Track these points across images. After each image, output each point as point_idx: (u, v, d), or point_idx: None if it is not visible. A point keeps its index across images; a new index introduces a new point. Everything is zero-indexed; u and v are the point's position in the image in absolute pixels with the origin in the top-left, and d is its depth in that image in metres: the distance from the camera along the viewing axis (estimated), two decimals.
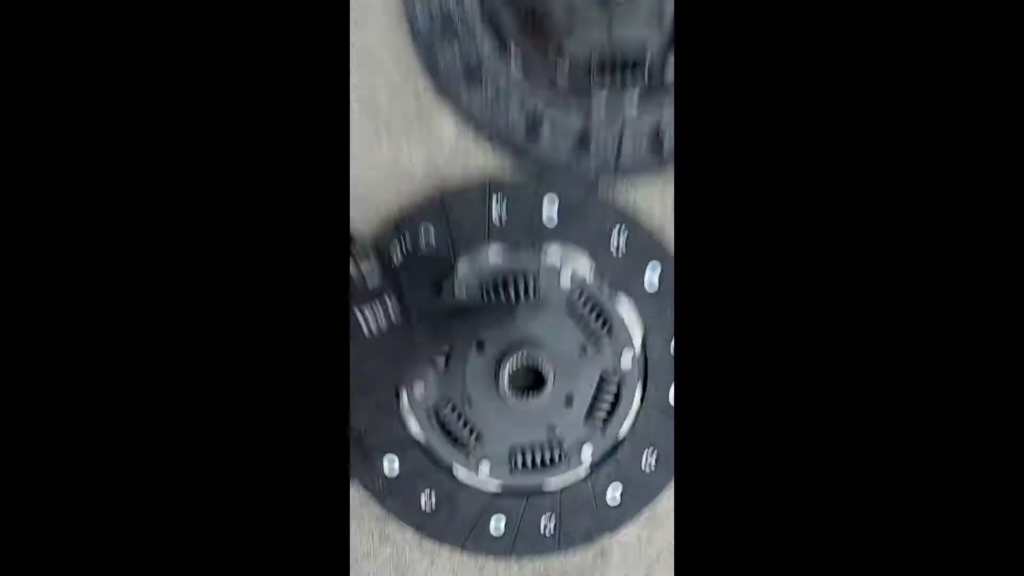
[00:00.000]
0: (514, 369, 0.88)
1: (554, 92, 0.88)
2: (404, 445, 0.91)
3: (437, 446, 0.90)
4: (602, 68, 0.88)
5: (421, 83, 0.90)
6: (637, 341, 0.90)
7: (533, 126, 0.88)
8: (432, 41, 0.87)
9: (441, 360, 0.88)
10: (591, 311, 0.89)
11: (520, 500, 0.91)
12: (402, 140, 0.91)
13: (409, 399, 0.90)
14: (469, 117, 0.90)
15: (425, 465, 0.91)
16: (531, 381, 0.86)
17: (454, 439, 0.90)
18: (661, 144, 0.89)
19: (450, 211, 0.89)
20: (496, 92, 0.88)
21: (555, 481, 0.91)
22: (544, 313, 0.88)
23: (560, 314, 0.89)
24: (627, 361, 0.89)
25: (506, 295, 0.88)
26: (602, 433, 0.90)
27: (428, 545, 0.93)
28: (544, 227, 0.89)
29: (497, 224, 0.89)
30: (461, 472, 0.91)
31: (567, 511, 0.91)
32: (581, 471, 0.92)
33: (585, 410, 0.90)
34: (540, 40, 0.87)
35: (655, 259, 0.90)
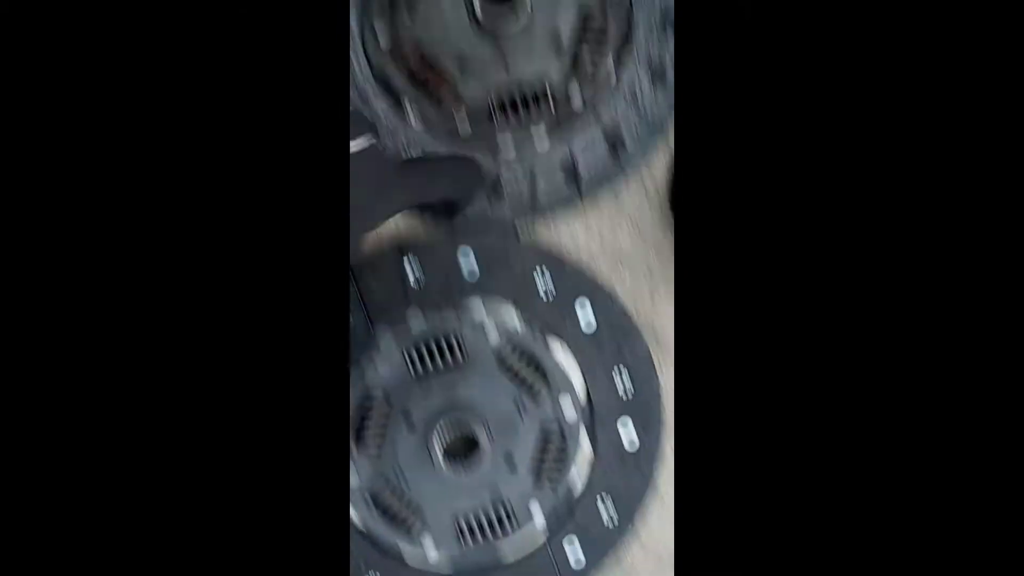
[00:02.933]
0: (447, 439, 0.83)
1: (457, 141, 0.84)
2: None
3: (379, 530, 0.85)
4: (503, 108, 0.83)
5: None
6: (578, 385, 0.85)
7: None
8: None
9: (374, 444, 0.83)
10: (524, 362, 0.84)
11: None
12: None
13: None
14: None
15: (370, 552, 0.85)
16: (467, 447, 0.80)
17: (394, 519, 0.84)
18: (576, 175, 0.85)
19: (361, 280, 0.83)
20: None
21: (511, 550, 0.86)
22: (474, 373, 0.83)
23: (491, 371, 0.84)
24: (569, 409, 0.85)
25: (432, 362, 0.82)
26: (553, 489, 0.85)
27: None
28: (464, 282, 0.85)
29: (415, 287, 0.84)
30: (409, 554, 0.86)
31: None
32: (538, 534, 0.87)
33: (529, 468, 0.85)
34: (434, 90, 0.83)
35: (583, 295, 0.85)
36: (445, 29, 0.82)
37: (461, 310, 0.84)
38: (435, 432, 0.82)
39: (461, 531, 0.84)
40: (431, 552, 0.85)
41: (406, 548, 0.85)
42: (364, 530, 0.85)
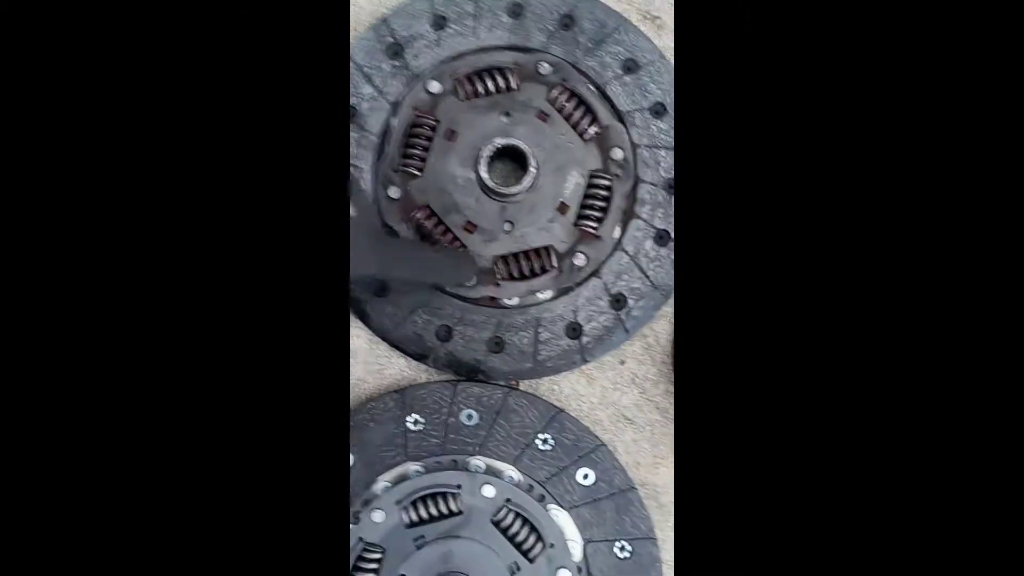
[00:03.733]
0: None
1: (463, 299, 0.85)
2: None
3: None
4: (508, 266, 0.85)
5: None
6: (577, 552, 0.83)
7: (446, 335, 0.85)
8: None
9: None
10: (520, 523, 0.82)
11: None
12: None
13: None
14: (380, 331, 0.87)
15: None
16: None
17: None
18: (579, 332, 0.85)
19: (363, 432, 0.83)
20: (406, 306, 0.85)
21: None
22: (470, 531, 0.81)
23: (486, 531, 0.82)
24: None
25: (428, 514, 0.81)
26: None
27: None
28: (464, 439, 0.84)
29: (414, 441, 0.83)
30: None
31: None
32: None
33: None
34: (440, 245, 0.85)
35: (586, 457, 0.84)
36: (454, 188, 0.85)
37: (460, 466, 0.83)
38: None
39: None
40: None
41: None
42: None
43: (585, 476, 0.84)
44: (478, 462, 0.84)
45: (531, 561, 0.82)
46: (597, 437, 0.85)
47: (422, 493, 0.82)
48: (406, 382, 0.88)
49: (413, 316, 0.85)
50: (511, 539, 0.82)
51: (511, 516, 0.82)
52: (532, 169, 0.82)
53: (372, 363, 0.88)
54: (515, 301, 0.86)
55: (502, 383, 0.86)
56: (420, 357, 0.86)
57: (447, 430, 0.84)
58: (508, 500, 0.82)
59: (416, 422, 0.84)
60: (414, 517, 0.82)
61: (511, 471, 0.84)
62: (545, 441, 0.84)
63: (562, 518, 0.83)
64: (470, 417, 0.84)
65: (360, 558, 0.82)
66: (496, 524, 0.82)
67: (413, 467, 0.83)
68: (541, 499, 0.83)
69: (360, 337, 0.88)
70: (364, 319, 0.86)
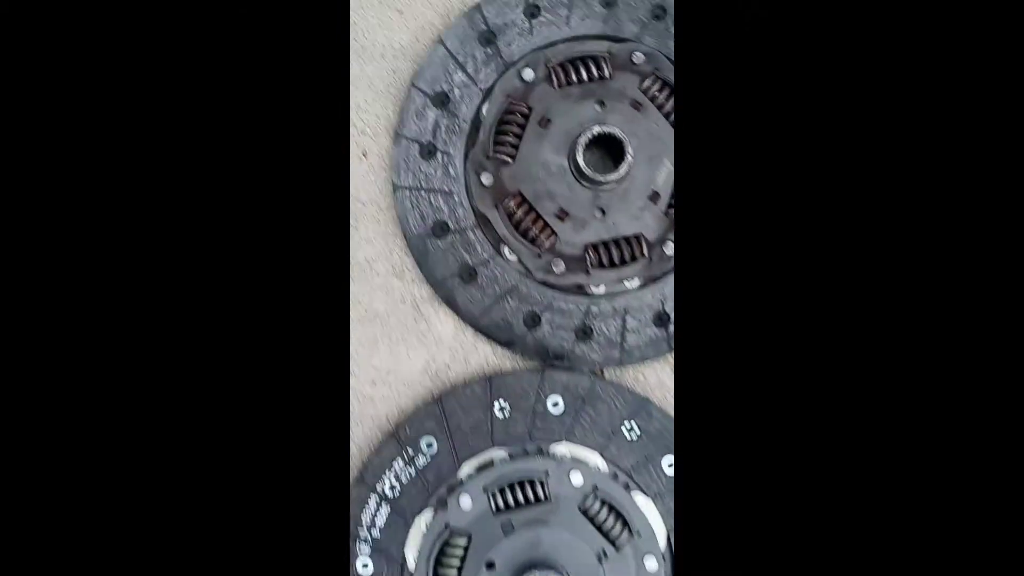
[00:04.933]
0: None
1: (552, 286, 0.85)
2: None
3: None
4: (598, 254, 0.85)
5: (417, 289, 0.88)
6: (662, 540, 0.83)
7: (533, 321, 0.85)
8: (426, 247, 0.86)
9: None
10: (608, 512, 0.82)
11: None
12: (400, 345, 0.87)
13: None
14: (468, 317, 0.87)
15: None
16: None
17: None
18: (666, 321, 0.85)
19: (450, 418, 0.83)
20: (495, 292, 0.85)
21: None
22: (556, 519, 0.81)
23: (573, 518, 0.82)
24: (652, 565, 0.82)
25: (515, 501, 0.81)
26: None
27: None
28: (551, 426, 0.84)
29: (501, 428, 0.83)
30: None
31: None
32: None
33: None
34: (532, 233, 0.85)
35: (669, 446, 0.84)
36: (547, 176, 0.85)
37: (546, 452, 0.83)
38: None
39: None
40: None
41: None
42: None
43: (671, 465, 0.84)
44: (564, 449, 0.84)
45: (617, 549, 0.82)
46: None
47: (509, 480, 0.82)
48: (491, 369, 0.88)
49: (501, 303, 0.86)
50: (598, 527, 0.82)
51: (598, 504, 0.82)
52: (629, 157, 0.82)
53: (457, 349, 0.88)
54: (602, 289, 0.86)
55: (587, 370, 0.86)
56: (507, 344, 0.86)
57: (534, 417, 0.84)
58: (595, 488, 0.82)
59: (502, 409, 0.84)
60: (501, 504, 0.82)
61: (597, 459, 0.84)
62: (631, 429, 0.84)
63: (648, 506, 0.83)
64: (556, 404, 0.84)
65: (447, 543, 0.82)
66: (583, 512, 0.82)
67: (499, 453, 0.84)
68: (627, 487, 0.83)
69: (447, 324, 0.88)
70: (452, 305, 0.87)
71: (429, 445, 0.84)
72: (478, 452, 0.84)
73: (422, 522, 0.81)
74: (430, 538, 0.81)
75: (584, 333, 0.85)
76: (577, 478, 0.82)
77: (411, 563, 0.81)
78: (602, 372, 0.87)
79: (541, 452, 0.83)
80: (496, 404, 0.84)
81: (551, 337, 0.85)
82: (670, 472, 0.83)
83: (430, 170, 0.85)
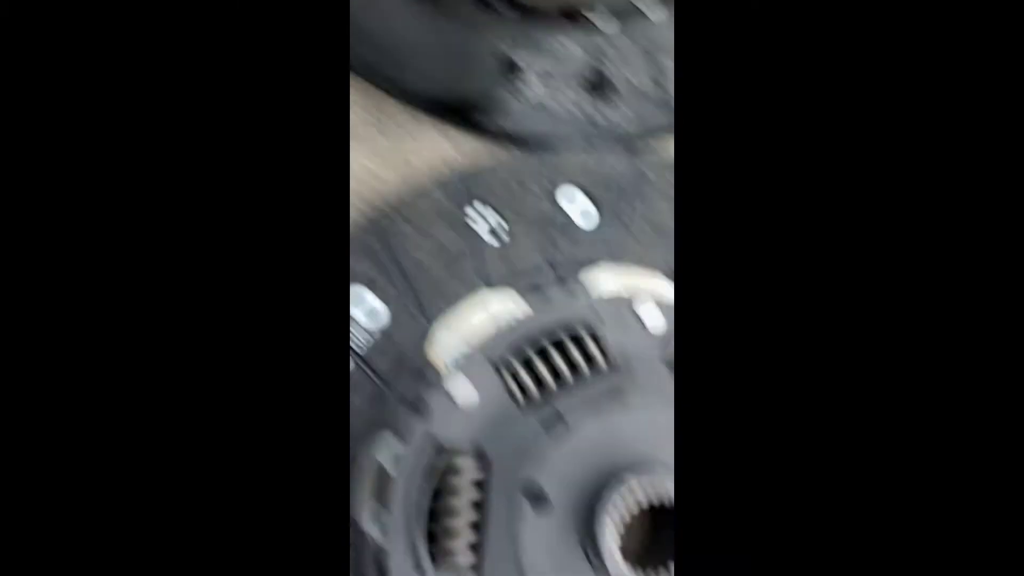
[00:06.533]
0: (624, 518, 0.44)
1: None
2: None
3: None
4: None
5: None
6: None
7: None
8: None
9: (463, 548, 0.44)
10: None
11: None
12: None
13: None
14: None
15: None
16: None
17: None
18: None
19: (399, 253, 0.48)
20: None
21: None
22: (635, 391, 0.47)
23: (662, 384, 0.48)
24: None
25: (553, 376, 0.46)
26: None
27: None
28: (579, 241, 0.50)
29: (496, 257, 0.49)
30: None
31: None
32: None
33: None
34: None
35: None
36: None
37: (583, 287, 0.48)
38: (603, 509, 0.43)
39: None
40: None
41: None
42: None
43: None
44: (610, 277, 0.49)
45: None
46: None
47: (535, 342, 0.46)
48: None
49: None
50: None
51: None
52: None
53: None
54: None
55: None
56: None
57: (547, 230, 0.48)
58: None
59: (494, 229, 0.47)
60: (526, 385, 0.46)
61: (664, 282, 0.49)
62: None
63: None
64: (574, 202, 0.48)
65: (450, 468, 0.44)
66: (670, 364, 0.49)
67: (503, 300, 0.47)
68: None
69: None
70: None
71: (371, 312, 0.46)
72: (459, 300, 0.47)
73: (384, 454, 0.45)
74: (412, 477, 0.44)
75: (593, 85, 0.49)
76: (653, 315, 0.45)
77: (376, 536, 0.42)
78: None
79: (572, 286, 0.47)
80: (472, 210, 0.49)
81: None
82: None
83: None
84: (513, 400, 0.46)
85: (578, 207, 0.49)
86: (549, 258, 0.48)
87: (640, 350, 0.47)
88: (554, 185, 0.49)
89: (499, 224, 0.48)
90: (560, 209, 0.49)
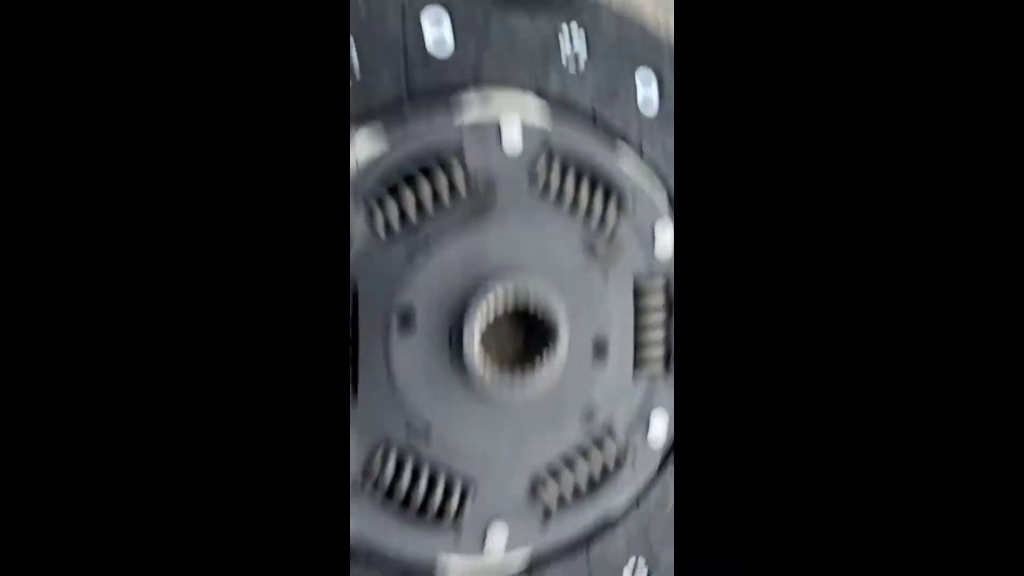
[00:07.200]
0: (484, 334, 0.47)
1: None
2: None
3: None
4: None
5: None
6: (662, 204, 0.54)
7: None
8: None
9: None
10: (577, 179, 0.51)
11: None
12: None
13: None
14: None
15: None
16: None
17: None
18: None
19: None
20: None
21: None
22: (496, 211, 0.49)
23: (524, 202, 0.50)
24: (664, 238, 0.51)
25: (417, 205, 0.48)
26: None
27: None
28: (440, 68, 0.48)
29: (356, 92, 0.47)
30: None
31: None
32: None
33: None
34: None
35: (646, 56, 0.54)
36: None
37: (451, 110, 0.48)
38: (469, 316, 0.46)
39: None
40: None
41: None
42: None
43: (644, 82, 0.51)
44: (473, 102, 0.48)
45: (607, 229, 0.48)
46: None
47: (393, 175, 0.47)
48: None
49: None
50: (570, 205, 0.48)
51: (557, 169, 0.49)
52: None
53: None
54: None
55: None
56: None
57: (406, 60, 0.47)
58: (546, 146, 0.48)
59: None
60: (389, 218, 0.47)
61: (532, 104, 0.48)
62: (574, 55, 0.50)
63: (629, 158, 0.50)
64: (439, 25, 0.47)
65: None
66: (542, 187, 0.49)
67: (364, 138, 0.47)
68: (606, 136, 0.49)
69: None
70: None
71: None
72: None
73: None
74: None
75: None
76: (513, 136, 0.46)
77: None
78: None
79: (439, 113, 0.47)
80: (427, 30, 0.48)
81: None
82: (651, 93, 0.50)
83: None
84: (374, 235, 0.46)
85: (433, 21, 0.48)
86: (408, 85, 0.48)
87: (499, 169, 0.48)
88: (417, 8, 0.48)
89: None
90: (420, 33, 0.48)
